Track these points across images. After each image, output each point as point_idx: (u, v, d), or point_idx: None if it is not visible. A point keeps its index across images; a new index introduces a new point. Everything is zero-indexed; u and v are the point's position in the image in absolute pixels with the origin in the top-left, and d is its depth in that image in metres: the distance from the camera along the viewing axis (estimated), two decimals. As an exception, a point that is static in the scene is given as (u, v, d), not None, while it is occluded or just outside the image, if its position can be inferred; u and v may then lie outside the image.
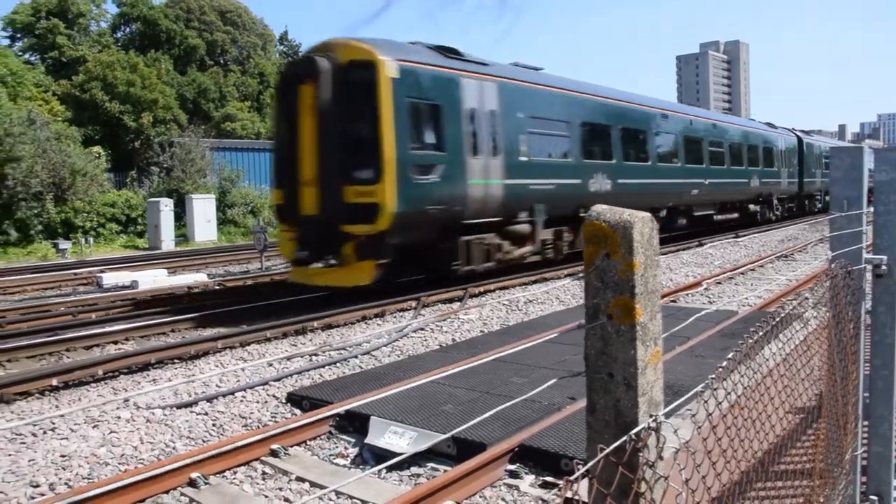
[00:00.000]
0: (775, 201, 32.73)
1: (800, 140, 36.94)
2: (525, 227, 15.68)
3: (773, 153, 32.65)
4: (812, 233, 26.65)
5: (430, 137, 13.47)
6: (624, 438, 1.53)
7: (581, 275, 15.33)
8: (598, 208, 1.76)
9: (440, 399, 6.62)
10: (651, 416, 1.64)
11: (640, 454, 1.57)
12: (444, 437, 5.37)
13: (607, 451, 1.45)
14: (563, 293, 13.89)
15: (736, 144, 28.32)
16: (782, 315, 2.64)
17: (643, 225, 1.71)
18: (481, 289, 14.39)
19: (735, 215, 29.01)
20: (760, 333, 2.42)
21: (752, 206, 30.28)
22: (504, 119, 15.04)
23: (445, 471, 5.24)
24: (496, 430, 5.71)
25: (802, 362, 2.92)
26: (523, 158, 15.57)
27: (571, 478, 1.26)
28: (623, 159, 19.76)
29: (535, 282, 15.77)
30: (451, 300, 13.46)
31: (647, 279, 1.69)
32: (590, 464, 1.44)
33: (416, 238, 13.14)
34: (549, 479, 5.15)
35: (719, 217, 27.33)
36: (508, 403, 3.14)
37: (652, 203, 20.28)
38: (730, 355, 2.16)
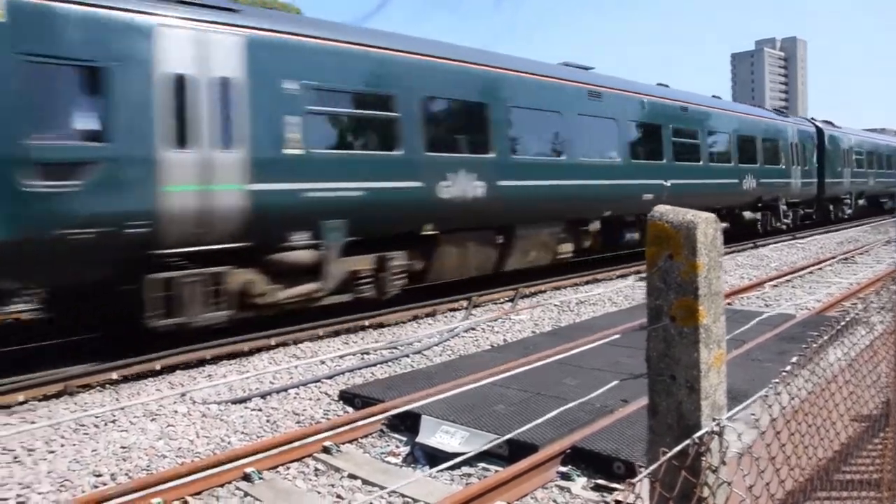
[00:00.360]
0: (783, 207, 25.96)
1: (819, 132, 30.29)
2: (305, 255, 10.57)
3: (778, 147, 25.80)
4: (875, 235, 25.88)
5: (77, 120, 8.80)
6: (687, 442, 1.51)
7: (633, 276, 15.12)
8: (661, 209, 1.74)
9: (492, 399, 6.61)
10: (714, 419, 1.61)
11: (703, 458, 1.54)
12: (498, 439, 5.36)
13: (670, 454, 1.43)
14: (615, 294, 13.76)
15: (719, 135, 22.00)
16: (847, 319, 2.57)
17: (707, 226, 1.68)
18: (533, 289, 14.33)
19: (723, 226, 23.22)
20: (825, 338, 2.36)
21: (748, 214, 23.70)
22: (255, 91, 9.91)
23: (497, 471, 5.23)
24: (548, 431, 5.68)
25: (868, 368, 2.84)
26: (293, 151, 10.29)
27: (634, 480, 1.24)
28: (509, 152, 13.92)
29: (587, 283, 15.65)
30: (502, 300, 13.44)
31: (710, 281, 1.67)
32: (652, 467, 1.42)
33: (54, 279, 9.02)
34: (601, 481, 5.10)
35: None
36: (565, 406, 3.11)
37: (567, 212, 15.49)
38: (793, 359, 2.11)
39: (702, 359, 1.62)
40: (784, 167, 26.08)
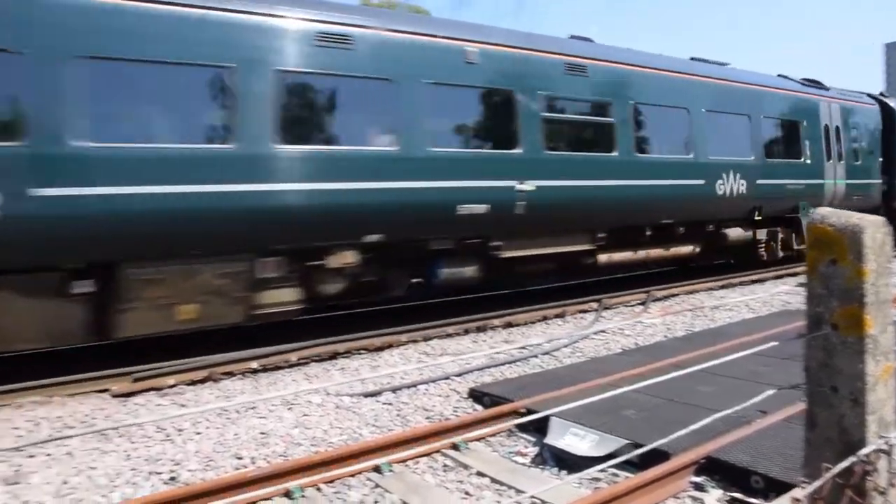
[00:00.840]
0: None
1: (887, 111, 21.27)
2: None
3: (798, 132, 17.47)
4: None
5: None
6: (853, 459, 1.42)
7: (772, 280, 14.40)
8: (823, 211, 1.64)
9: (622, 403, 6.47)
10: (881, 437, 1.50)
11: (869, 478, 1.45)
12: (633, 447, 5.25)
13: (835, 470, 1.35)
14: (752, 300, 13.17)
15: (663, 111, 13.99)
16: None
17: (875, 230, 1.58)
18: (665, 292, 13.94)
19: (687, 249, 14.99)
20: None
21: (735, 233, 15.80)
22: None
23: (627, 477, 5.12)
24: (681, 439, 5.48)
25: None
26: None
27: (798, 495, 1.18)
28: (50, 140, 7.52)
29: (722, 287, 15.06)
30: (633, 303, 13.15)
31: (878, 288, 1.56)
32: (816, 483, 1.35)
33: None
34: (737, 495, 4.89)
35: (618, 257, 13.55)
36: (709, 418, 3.01)
37: (266, 238, 9.15)
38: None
39: (868, 371, 1.51)
40: (810, 161, 17.73)
